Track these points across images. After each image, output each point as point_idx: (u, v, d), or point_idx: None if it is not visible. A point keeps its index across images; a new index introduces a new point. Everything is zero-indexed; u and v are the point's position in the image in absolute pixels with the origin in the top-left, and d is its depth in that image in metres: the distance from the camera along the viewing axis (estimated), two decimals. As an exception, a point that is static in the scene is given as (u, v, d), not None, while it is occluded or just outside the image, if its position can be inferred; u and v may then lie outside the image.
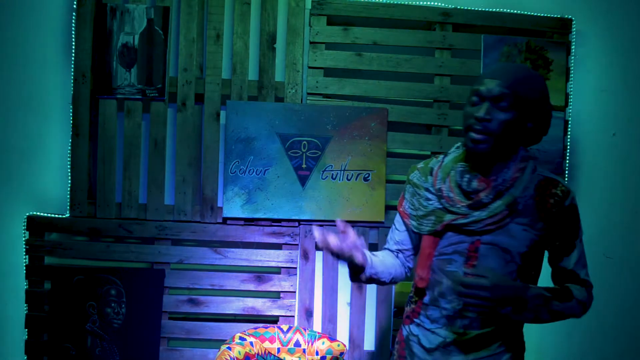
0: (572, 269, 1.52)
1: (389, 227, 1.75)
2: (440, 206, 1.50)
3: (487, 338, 1.50)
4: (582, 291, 1.52)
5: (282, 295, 2.43)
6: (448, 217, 1.47)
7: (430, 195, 1.54)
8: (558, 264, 1.53)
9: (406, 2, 2.48)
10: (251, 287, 2.42)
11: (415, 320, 1.58)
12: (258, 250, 2.42)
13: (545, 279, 1.62)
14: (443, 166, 1.54)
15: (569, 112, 2.56)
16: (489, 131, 1.40)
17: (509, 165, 1.46)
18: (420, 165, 1.62)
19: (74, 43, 2.35)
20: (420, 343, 1.55)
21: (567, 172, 2.56)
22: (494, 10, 2.52)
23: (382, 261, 1.58)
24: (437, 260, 1.52)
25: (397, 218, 1.66)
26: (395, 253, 1.66)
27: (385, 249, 1.69)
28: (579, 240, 1.51)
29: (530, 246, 1.47)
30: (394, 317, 2.47)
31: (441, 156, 1.60)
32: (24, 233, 2.35)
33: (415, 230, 1.57)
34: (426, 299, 1.55)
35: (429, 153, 2.50)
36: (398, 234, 1.65)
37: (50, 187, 2.42)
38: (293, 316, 2.42)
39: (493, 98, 1.39)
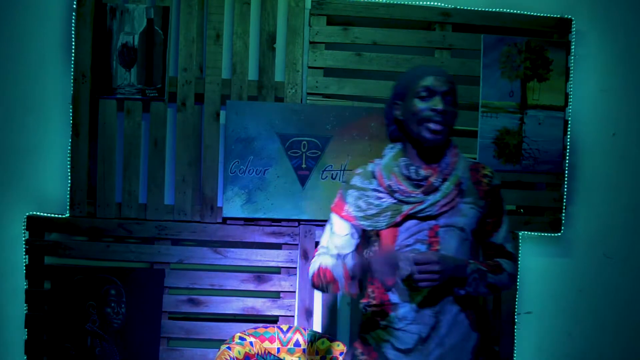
0: (501, 243, 1.62)
1: None
2: (395, 201, 1.54)
3: (456, 321, 1.54)
4: (510, 264, 1.61)
5: (282, 295, 2.43)
6: (405, 208, 1.52)
7: (381, 194, 1.57)
8: (488, 239, 1.62)
9: (406, 2, 2.48)
10: (251, 287, 2.42)
11: (381, 323, 1.57)
12: (258, 250, 2.42)
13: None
14: (384, 166, 1.59)
15: (569, 112, 2.56)
16: (447, 122, 1.51)
17: (445, 153, 1.57)
18: (359, 171, 1.65)
19: (74, 43, 2.35)
20: (395, 347, 1.54)
21: (566, 172, 2.56)
22: (494, 10, 2.52)
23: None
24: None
25: (337, 223, 1.65)
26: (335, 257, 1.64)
27: (324, 254, 1.65)
28: (505, 216, 1.63)
29: (477, 223, 1.58)
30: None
31: (376, 160, 1.66)
32: (24, 233, 2.35)
33: (368, 228, 1.58)
34: (393, 298, 1.55)
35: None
36: (338, 239, 1.65)
37: (50, 187, 2.42)
38: (293, 316, 2.42)
39: (443, 92, 1.51)
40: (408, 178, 1.54)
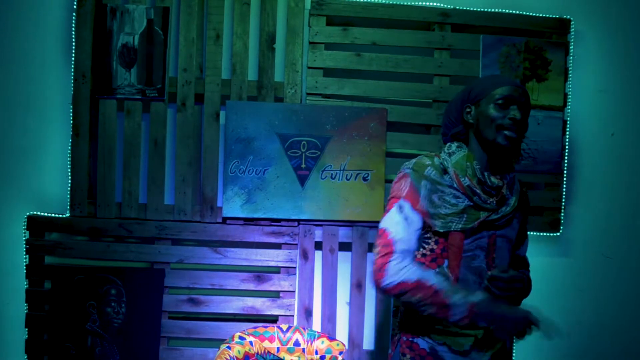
0: (524, 256, 1.75)
1: None
2: (471, 204, 1.54)
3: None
4: (528, 274, 1.74)
5: (281, 294, 2.44)
6: (483, 214, 1.54)
7: (458, 193, 1.54)
8: (515, 252, 1.71)
9: (405, 3, 2.49)
10: (251, 286, 2.42)
11: (437, 327, 1.56)
12: (258, 249, 2.42)
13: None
14: (456, 165, 1.56)
15: (568, 112, 2.57)
16: (521, 132, 1.53)
17: (507, 165, 1.61)
18: (427, 162, 1.57)
19: (74, 43, 2.36)
20: (453, 350, 1.56)
21: (565, 172, 2.57)
22: (493, 10, 2.52)
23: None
24: (463, 258, 1.56)
25: (411, 214, 1.53)
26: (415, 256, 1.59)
27: (410, 253, 1.53)
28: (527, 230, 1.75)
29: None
30: (393, 317, 2.47)
31: (443, 155, 1.59)
32: (24, 233, 2.35)
33: (440, 229, 1.52)
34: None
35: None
36: (417, 233, 1.54)
37: (51, 186, 2.43)
38: (292, 316, 2.43)
39: (520, 104, 1.53)
40: (482, 183, 1.54)
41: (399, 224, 1.52)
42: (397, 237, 1.51)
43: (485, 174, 1.55)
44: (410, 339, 1.60)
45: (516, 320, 1.44)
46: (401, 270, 1.47)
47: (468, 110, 1.59)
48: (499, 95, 1.52)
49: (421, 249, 1.58)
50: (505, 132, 1.51)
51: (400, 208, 1.53)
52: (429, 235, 1.57)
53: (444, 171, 1.56)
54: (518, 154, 1.63)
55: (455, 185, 1.54)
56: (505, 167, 1.60)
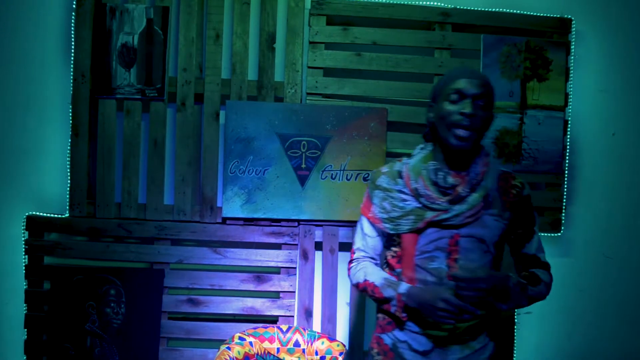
0: (534, 254, 1.62)
1: None
2: (419, 205, 1.53)
3: (475, 329, 1.55)
4: (546, 274, 1.61)
5: (281, 295, 2.43)
6: (429, 214, 1.51)
7: (405, 196, 1.56)
8: (521, 250, 1.63)
9: (406, 2, 2.48)
10: (251, 287, 2.42)
11: (401, 325, 1.58)
12: (257, 250, 2.42)
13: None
14: (412, 167, 1.58)
15: (569, 112, 2.56)
16: (474, 127, 1.47)
17: (476, 161, 1.54)
18: (385, 169, 1.64)
19: (73, 43, 2.35)
20: (413, 348, 1.56)
21: (566, 172, 2.56)
22: (494, 10, 2.52)
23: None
24: (418, 259, 1.54)
25: (366, 225, 1.67)
26: (375, 261, 1.69)
27: (366, 257, 1.68)
28: (536, 226, 1.63)
29: (501, 235, 1.56)
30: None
31: (404, 159, 1.64)
32: (24, 233, 2.35)
33: (391, 231, 1.58)
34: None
35: (428, 153, 2.50)
36: (371, 240, 1.67)
37: (50, 187, 2.42)
38: (292, 316, 2.42)
39: (474, 96, 1.47)
40: (435, 184, 1.52)
41: (358, 234, 1.70)
42: (355, 246, 1.71)
43: (441, 174, 1.52)
44: (378, 334, 1.65)
45: (433, 305, 1.43)
46: (356, 273, 1.65)
47: (430, 109, 1.58)
48: (451, 90, 1.48)
49: (390, 251, 1.63)
50: (456, 130, 1.46)
51: (360, 219, 1.69)
52: (394, 238, 1.60)
53: (399, 175, 1.59)
54: (478, 148, 1.55)
55: (405, 189, 1.56)
56: (468, 163, 1.53)
